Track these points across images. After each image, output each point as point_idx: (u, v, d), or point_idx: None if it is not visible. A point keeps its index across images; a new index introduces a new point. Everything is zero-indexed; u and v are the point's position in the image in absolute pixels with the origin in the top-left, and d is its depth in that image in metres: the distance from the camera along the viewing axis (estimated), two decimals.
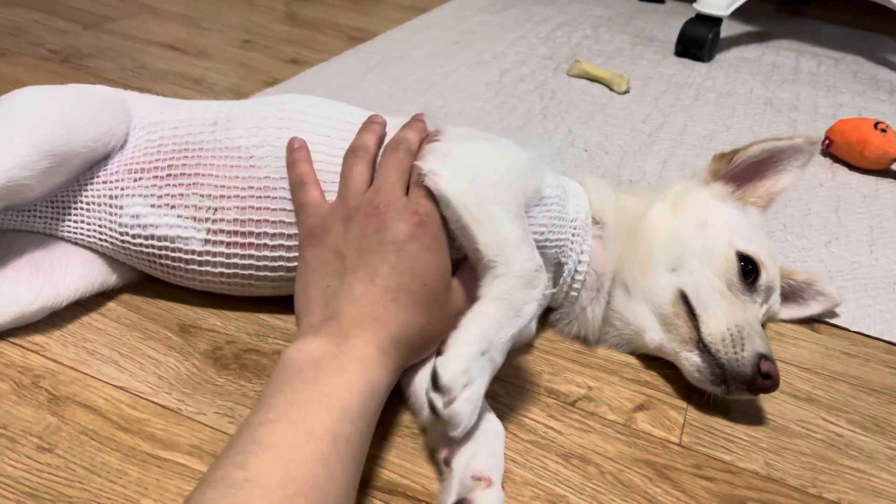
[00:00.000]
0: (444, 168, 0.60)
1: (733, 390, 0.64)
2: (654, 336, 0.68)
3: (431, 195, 0.60)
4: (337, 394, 0.48)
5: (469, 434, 0.55)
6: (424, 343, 0.58)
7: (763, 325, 0.70)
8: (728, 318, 0.65)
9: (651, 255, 0.69)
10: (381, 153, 0.65)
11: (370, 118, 0.69)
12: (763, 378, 0.63)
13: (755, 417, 0.67)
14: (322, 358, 0.51)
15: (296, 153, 0.65)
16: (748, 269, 0.68)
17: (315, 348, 0.51)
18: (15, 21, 1.40)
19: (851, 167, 1.21)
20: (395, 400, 0.62)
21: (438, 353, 0.53)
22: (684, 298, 0.67)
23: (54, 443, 0.55)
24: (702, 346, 0.65)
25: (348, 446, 0.47)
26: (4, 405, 0.57)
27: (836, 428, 0.67)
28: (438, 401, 0.51)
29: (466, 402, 0.51)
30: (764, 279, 0.68)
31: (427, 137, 0.67)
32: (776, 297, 0.71)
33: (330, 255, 0.59)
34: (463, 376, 0.51)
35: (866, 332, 0.81)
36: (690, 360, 0.66)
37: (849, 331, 0.81)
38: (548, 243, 0.66)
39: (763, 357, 0.63)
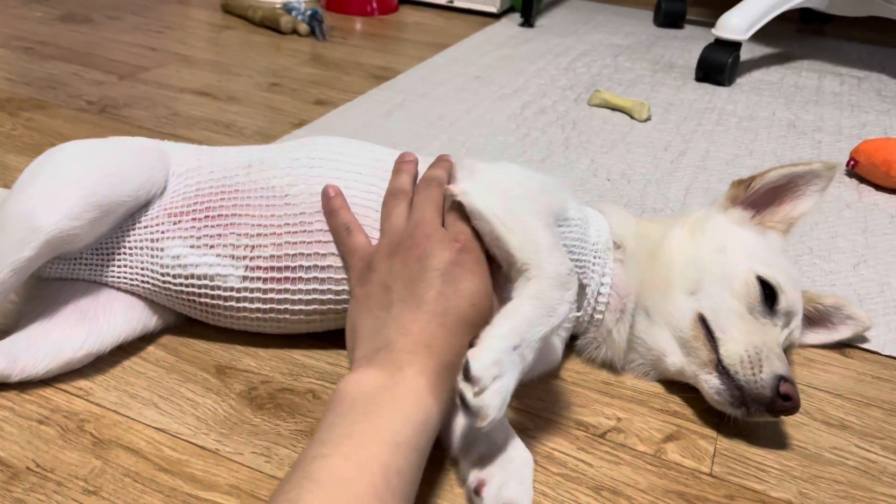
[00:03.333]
0: (472, 185, 0.63)
1: (753, 412, 0.65)
2: (675, 360, 0.69)
3: (467, 222, 0.62)
4: (390, 426, 0.49)
5: (498, 462, 0.57)
6: None
7: (787, 351, 0.70)
8: (746, 340, 0.66)
9: (670, 279, 0.70)
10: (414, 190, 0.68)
11: (401, 157, 0.72)
12: (783, 400, 0.63)
13: (787, 445, 0.67)
14: (376, 390, 0.52)
15: (334, 201, 0.68)
16: (767, 292, 0.68)
17: (368, 380, 0.53)
18: (54, 74, 1.46)
19: (878, 187, 1.21)
20: None
21: (471, 345, 0.53)
22: (703, 322, 0.68)
23: (99, 485, 0.57)
24: (721, 368, 0.66)
25: (400, 479, 0.47)
26: (52, 450, 0.60)
27: (869, 454, 0.67)
28: (468, 391, 0.51)
29: (496, 393, 0.51)
30: (783, 303, 0.68)
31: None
32: (797, 322, 0.71)
33: (377, 289, 0.61)
34: (493, 368, 0.51)
35: None
36: (710, 383, 0.67)
37: (880, 355, 0.81)
38: None
39: (782, 379, 0.64)
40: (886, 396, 0.75)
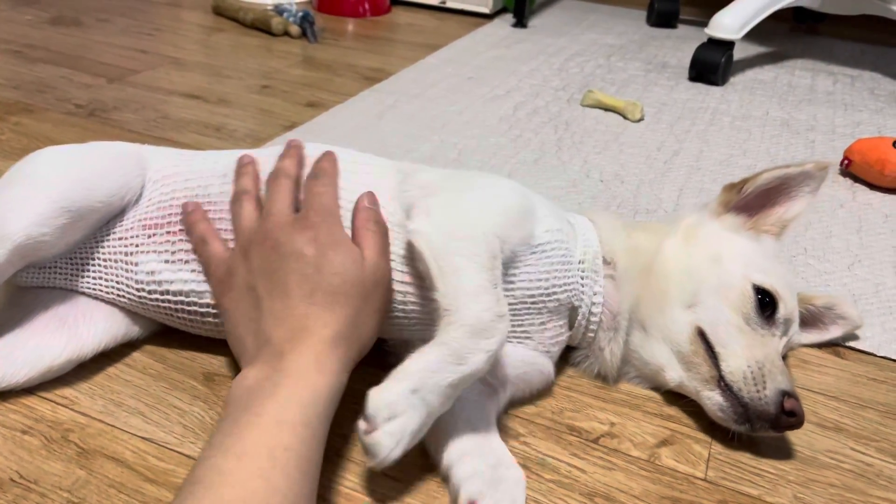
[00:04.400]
0: (425, 225, 0.61)
1: (757, 428, 0.64)
2: (674, 374, 0.68)
3: (324, 202, 0.62)
4: (271, 411, 0.50)
5: (490, 480, 0.56)
6: (363, 333, 0.59)
7: (784, 357, 0.69)
8: (748, 355, 0.65)
9: (666, 292, 0.69)
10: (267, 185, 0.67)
11: (238, 162, 0.70)
12: (787, 416, 0.62)
13: (782, 449, 0.66)
14: (259, 383, 0.53)
15: (191, 216, 0.67)
16: (765, 301, 0.67)
17: (252, 376, 0.54)
18: (42, 78, 1.44)
19: (872, 186, 1.20)
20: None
21: None
22: (702, 336, 0.67)
23: (83, 496, 0.56)
24: (723, 384, 0.65)
25: (289, 455, 0.48)
26: (35, 460, 0.59)
27: (864, 457, 0.66)
28: (361, 427, 0.53)
29: (388, 434, 0.52)
30: (782, 311, 0.68)
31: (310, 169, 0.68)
32: (795, 328, 0.71)
33: (242, 292, 0.61)
34: (386, 409, 0.53)
35: (893, 357, 0.80)
36: (713, 400, 0.65)
37: (875, 356, 0.80)
38: (555, 288, 0.67)
39: (786, 394, 0.63)
40: (881, 398, 0.74)
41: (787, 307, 0.68)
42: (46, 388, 0.65)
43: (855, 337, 0.82)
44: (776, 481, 0.63)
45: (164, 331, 0.73)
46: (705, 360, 0.66)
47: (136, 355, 0.71)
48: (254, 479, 0.46)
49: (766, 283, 0.67)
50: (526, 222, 0.66)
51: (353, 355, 0.58)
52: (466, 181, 0.71)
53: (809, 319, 0.79)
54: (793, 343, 0.71)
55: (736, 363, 0.65)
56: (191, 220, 0.67)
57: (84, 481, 0.57)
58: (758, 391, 0.63)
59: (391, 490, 0.59)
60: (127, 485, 0.57)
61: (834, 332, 0.80)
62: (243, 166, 0.69)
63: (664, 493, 0.61)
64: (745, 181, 0.73)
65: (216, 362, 0.71)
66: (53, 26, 1.81)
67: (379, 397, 0.53)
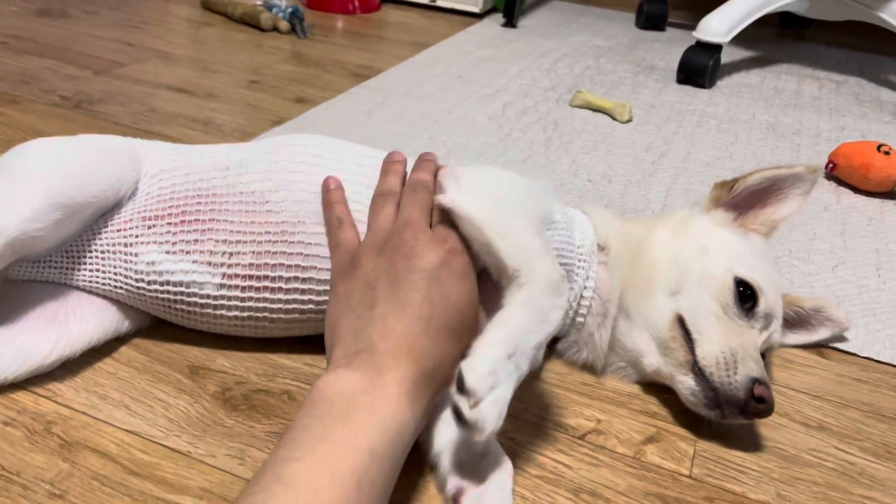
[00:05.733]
0: (460, 192, 0.61)
1: (727, 414, 0.65)
2: (652, 360, 0.69)
3: (455, 228, 0.61)
4: (366, 434, 0.48)
5: (478, 469, 0.56)
6: (448, 377, 0.56)
7: (765, 355, 0.70)
8: (722, 342, 0.66)
9: (651, 279, 0.70)
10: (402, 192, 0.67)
11: (390, 157, 0.70)
12: (756, 402, 0.63)
13: (766, 447, 0.67)
14: (354, 394, 0.50)
15: (332, 194, 0.67)
16: (746, 294, 0.68)
17: (347, 382, 0.51)
18: (28, 69, 1.43)
19: (856, 190, 1.22)
20: None
21: (463, 357, 0.52)
22: (681, 322, 0.68)
23: (66, 489, 0.55)
24: (696, 369, 0.66)
25: (373, 489, 0.46)
26: (17, 452, 0.58)
27: (847, 456, 0.67)
28: (464, 403, 0.49)
29: (493, 404, 0.50)
30: (762, 305, 0.68)
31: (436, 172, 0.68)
32: (777, 325, 0.71)
33: (360, 286, 0.58)
34: (489, 378, 0.50)
35: (876, 358, 0.81)
36: (685, 384, 0.66)
37: (858, 356, 0.81)
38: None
39: (756, 381, 0.63)
40: (864, 398, 0.75)
41: (768, 302, 0.69)
42: (29, 380, 0.65)
43: (842, 338, 0.83)
44: (760, 478, 0.63)
45: (150, 324, 0.72)
46: (682, 346, 0.67)
47: (122, 348, 0.70)
48: None
49: (748, 277, 0.68)
50: (545, 200, 0.68)
51: (433, 397, 0.55)
52: (477, 165, 0.71)
53: (798, 321, 0.80)
54: (775, 343, 0.72)
55: (710, 348, 0.65)
56: (329, 199, 0.66)
57: (67, 473, 0.56)
58: (728, 376, 0.64)
59: None
60: (111, 477, 0.56)
61: (822, 334, 0.81)
62: (393, 163, 0.69)
63: (649, 489, 0.61)
64: (735, 180, 0.74)
65: (201, 355, 0.70)
66: (40, 17, 1.79)
67: (478, 367, 0.50)
